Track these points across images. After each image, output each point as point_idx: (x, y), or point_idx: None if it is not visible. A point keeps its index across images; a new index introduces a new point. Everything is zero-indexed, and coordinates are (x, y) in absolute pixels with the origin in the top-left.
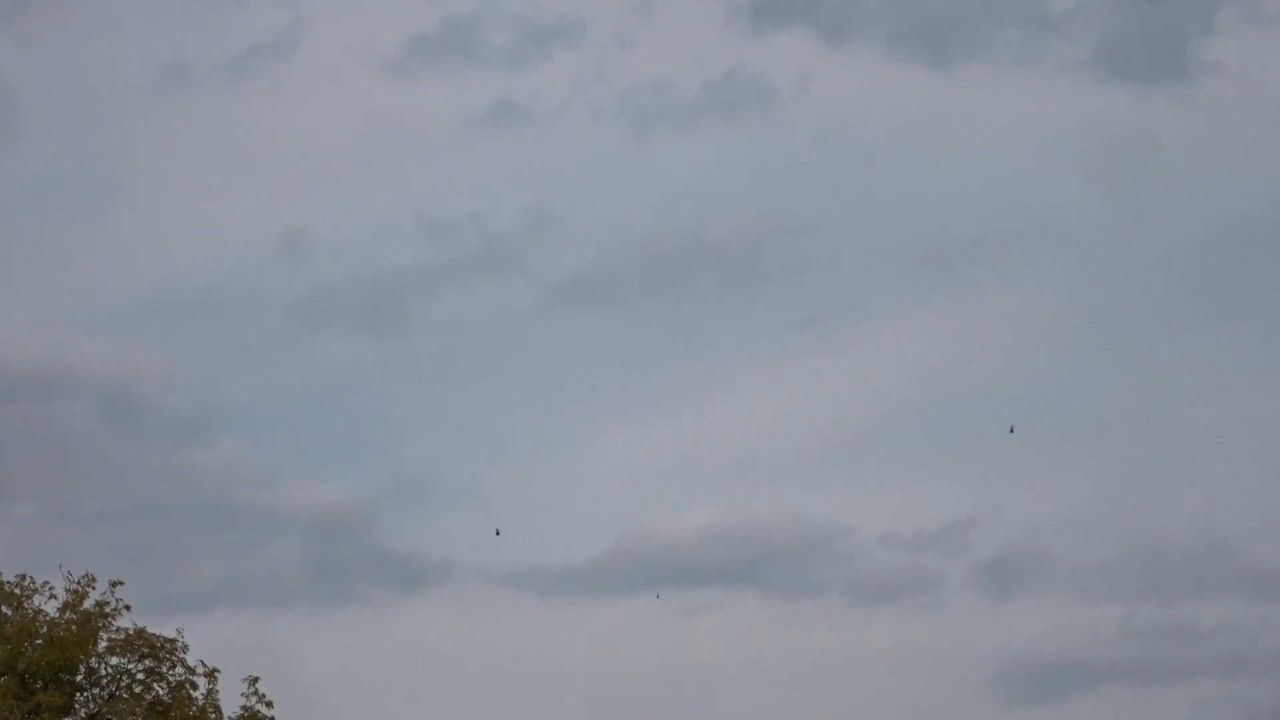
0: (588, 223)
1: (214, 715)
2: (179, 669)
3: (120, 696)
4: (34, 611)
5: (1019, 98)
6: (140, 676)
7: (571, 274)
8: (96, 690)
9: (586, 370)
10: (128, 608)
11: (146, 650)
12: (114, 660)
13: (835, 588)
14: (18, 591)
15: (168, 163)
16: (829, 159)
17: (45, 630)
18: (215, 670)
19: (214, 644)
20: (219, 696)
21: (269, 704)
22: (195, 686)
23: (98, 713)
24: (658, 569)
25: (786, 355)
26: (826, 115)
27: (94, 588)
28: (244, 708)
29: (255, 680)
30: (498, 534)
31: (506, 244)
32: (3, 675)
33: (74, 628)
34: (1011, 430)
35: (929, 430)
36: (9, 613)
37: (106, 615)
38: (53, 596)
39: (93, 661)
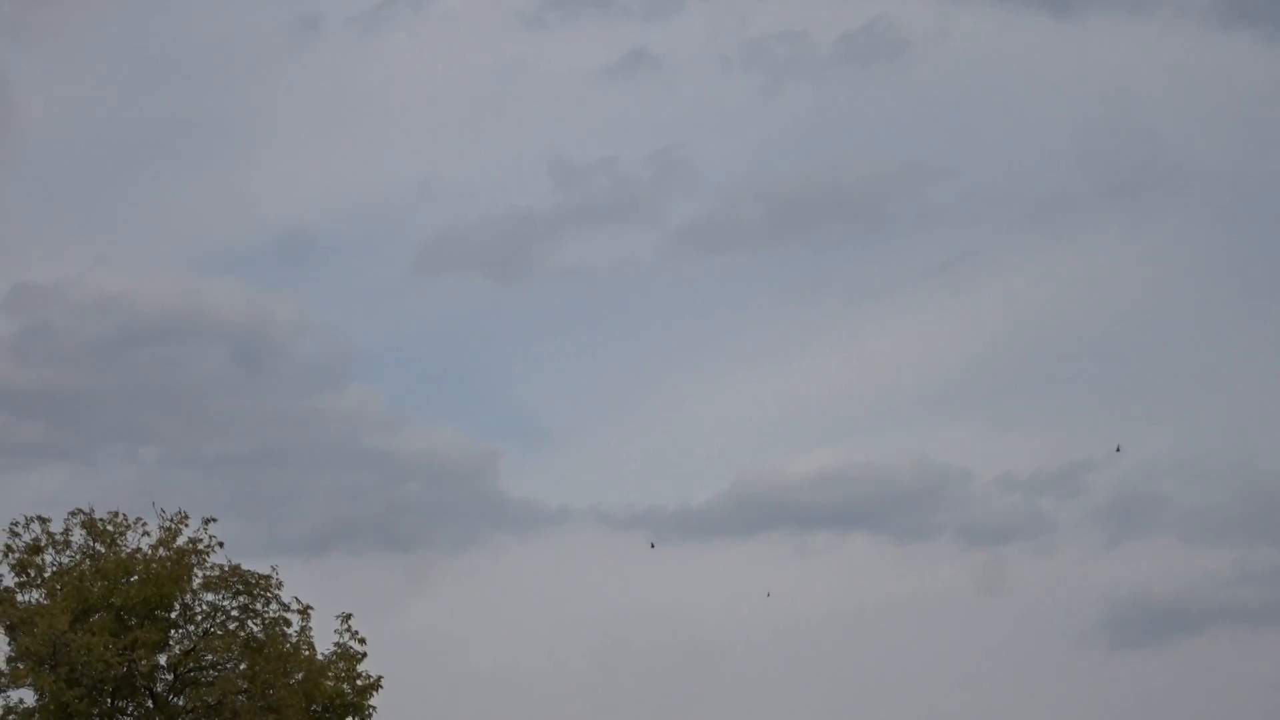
0: (716, 169)
1: (307, 652)
2: (273, 606)
3: (215, 633)
4: (130, 549)
5: (1140, 44)
6: (234, 613)
7: (698, 220)
8: (191, 627)
9: (709, 315)
10: (220, 544)
11: (241, 587)
12: (209, 597)
13: (948, 530)
14: (110, 529)
15: (300, 110)
16: (954, 108)
17: (140, 566)
18: (309, 607)
19: (330, 585)
20: (313, 633)
21: (362, 640)
22: (289, 624)
23: (192, 649)
24: (774, 511)
25: (908, 300)
26: (951, 64)
27: (186, 524)
28: (337, 644)
29: (348, 617)
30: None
31: (635, 189)
32: (99, 611)
33: (168, 564)
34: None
35: (1047, 374)
36: (102, 550)
37: (200, 552)
38: (146, 534)
39: (187, 598)
